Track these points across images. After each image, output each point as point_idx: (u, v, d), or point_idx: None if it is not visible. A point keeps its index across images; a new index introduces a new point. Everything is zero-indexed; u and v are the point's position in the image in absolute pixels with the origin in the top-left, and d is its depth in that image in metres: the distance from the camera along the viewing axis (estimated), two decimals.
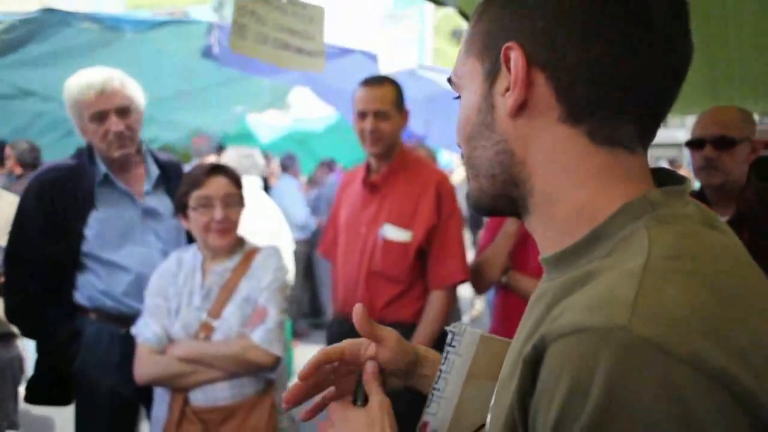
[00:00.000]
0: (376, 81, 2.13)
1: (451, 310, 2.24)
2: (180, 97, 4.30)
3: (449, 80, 0.67)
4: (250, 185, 3.20)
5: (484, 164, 0.61)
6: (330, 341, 2.38)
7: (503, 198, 0.61)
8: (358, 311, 0.75)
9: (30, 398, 2.06)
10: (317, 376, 0.77)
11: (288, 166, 6.38)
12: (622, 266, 0.48)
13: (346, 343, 0.78)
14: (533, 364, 0.48)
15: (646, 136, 0.57)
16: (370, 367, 0.75)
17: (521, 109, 0.56)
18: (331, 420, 0.71)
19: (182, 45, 3.40)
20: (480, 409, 0.69)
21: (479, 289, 2.25)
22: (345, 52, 3.48)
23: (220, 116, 5.28)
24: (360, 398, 0.71)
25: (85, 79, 1.88)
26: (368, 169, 2.21)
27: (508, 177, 0.59)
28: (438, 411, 0.71)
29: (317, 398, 0.79)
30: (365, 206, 2.19)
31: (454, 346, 0.74)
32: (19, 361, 2.55)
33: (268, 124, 7.25)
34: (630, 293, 0.45)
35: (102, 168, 1.96)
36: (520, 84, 0.55)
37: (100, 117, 1.89)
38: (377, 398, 0.70)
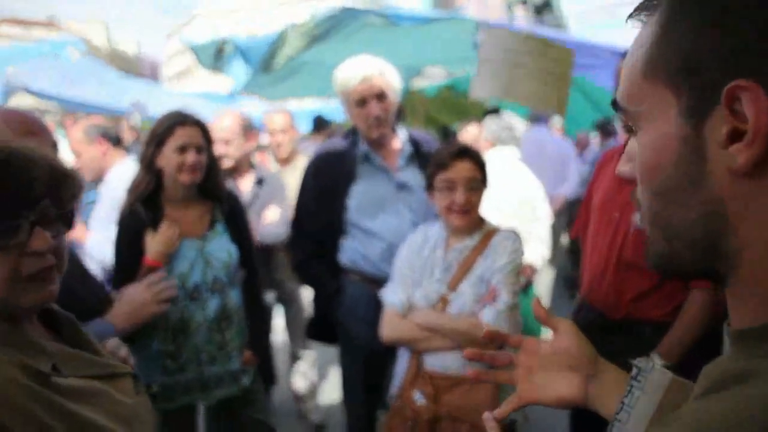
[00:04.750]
0: None
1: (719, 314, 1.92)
2: None
3: (614, 103, 0.55)
4: (510, 156, 3.19)
5: (683, 226, 0.49)
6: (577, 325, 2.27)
7: (703, 268, 0.50)
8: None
9: (308, 334, 2.52)
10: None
11: None
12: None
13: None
14: None
15: None
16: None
17: (757, 167, 0.43)
18: None
19: (453, 37, 3.71)
20: None
21: None
22: None
23: None
24: None
25: (349, 71, 2.14)
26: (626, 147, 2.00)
27: (710, 245, 0.47)
28: None
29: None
30: (620, 189, 2.00)
31: (639, 381, 0.69)
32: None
33: None
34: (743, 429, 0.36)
35: (363, 146, 2.22)
36: (763, 137, 0.43)
37: (362, 102, 2.13)
38: None
